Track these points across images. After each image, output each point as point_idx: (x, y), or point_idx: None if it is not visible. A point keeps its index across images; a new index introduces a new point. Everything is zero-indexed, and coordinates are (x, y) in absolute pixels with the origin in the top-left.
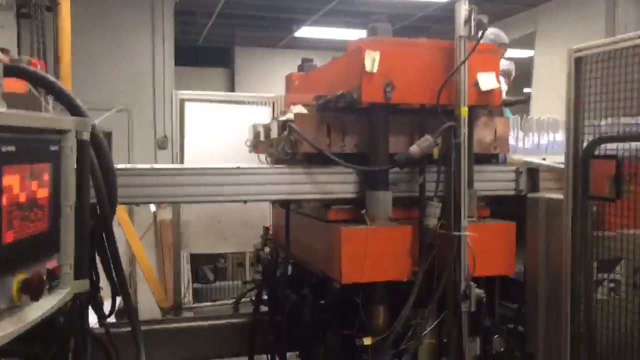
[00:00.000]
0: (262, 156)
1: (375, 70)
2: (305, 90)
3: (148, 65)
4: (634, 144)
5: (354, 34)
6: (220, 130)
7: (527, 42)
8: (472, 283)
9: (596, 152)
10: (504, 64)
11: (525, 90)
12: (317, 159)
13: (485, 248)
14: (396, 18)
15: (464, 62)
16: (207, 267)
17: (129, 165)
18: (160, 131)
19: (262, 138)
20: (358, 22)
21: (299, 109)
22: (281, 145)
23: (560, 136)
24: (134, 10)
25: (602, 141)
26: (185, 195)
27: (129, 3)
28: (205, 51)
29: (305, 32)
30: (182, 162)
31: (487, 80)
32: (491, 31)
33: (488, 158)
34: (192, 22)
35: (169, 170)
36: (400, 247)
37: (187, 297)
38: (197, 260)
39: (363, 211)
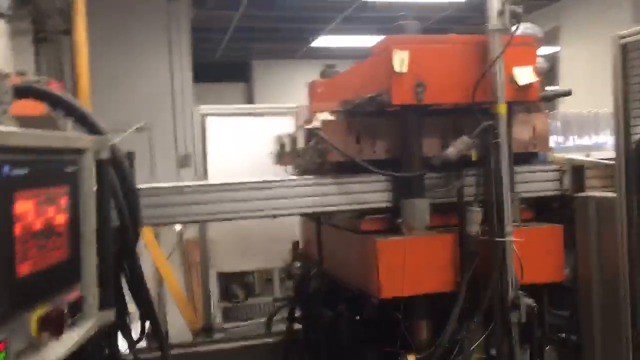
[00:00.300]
0: (288, 168)
1: (404, 70)
2: (330, 97)
3: (167, 84)
4: None
5: (372, 40)
6: (243, 143)
7: (551, 38)
8: (520, 292)
9: None
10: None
11: (548, 88)
12: (347, 168)
13: (532, 254)
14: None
15: (500, 55)
16: (235, 284)
17: (151, 185)
18: (181, 149)
19: (287, 149)
20: (375, 28)
21: (326, 116)
22: (309, 155)
23: (604, 133)
24: (151, 30)
25: None
26: (211, 213)
27: (145, 22)
28: (223, 67)
29: (322, 41)
30: (206, 178)
31: (525, 75)
32: (525, 25)
33: (527, 157)
34: (209, 39)
35: (193, 187)
36: (440, 257)
37: (217, 317)
38: (224, 278)
39: (399, 220)
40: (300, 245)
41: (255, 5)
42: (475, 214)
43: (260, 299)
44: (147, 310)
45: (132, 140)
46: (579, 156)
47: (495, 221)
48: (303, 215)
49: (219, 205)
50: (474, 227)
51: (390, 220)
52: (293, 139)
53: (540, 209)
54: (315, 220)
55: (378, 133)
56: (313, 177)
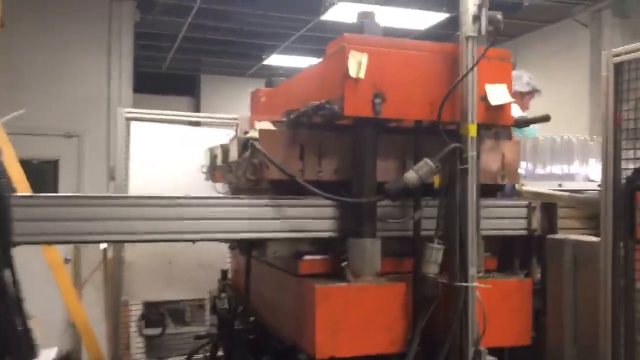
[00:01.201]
0: (220, 185)
1: (361, 76)
2: (275, 107)
3: (103, 88)
4: None
5: None
6: (174, 155)
7: None
8: (483, 349)
9: None
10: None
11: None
12: (286, 188)
13: (496, 311)
14: None
15: (473, 67)
16: (160, 312)
17: (25, 194)
18: (114, 159)
19: (219, 162)
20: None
21: (265, 125)
22: (242, 170)
23: (576, 164)
24: (89, 27)
25: None
26: (112, 233)
27: (83, 19)
28: (170, 79)
29: (275, 59)
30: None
31: (498, 94)
32: (521, 73)
33: (493, 190)
34: (156, 47)
35: (87, 199)
36: (391, 310)
37: (131, 351)
38: (150, 303)
39: (344, 264)
40: (230, 275)
41: (206, 16)
42: (435, 252)
43: (191, 328)
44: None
45: (60, 147)
46: (550, 188)
47: (458, 262)
48: (229, 241)
49: (124, 224)
50: (433, 268)
51: (334, 262)
52: (225, 151)
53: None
54: (245, 252)
55: (326, 150)
56: (244, 197)
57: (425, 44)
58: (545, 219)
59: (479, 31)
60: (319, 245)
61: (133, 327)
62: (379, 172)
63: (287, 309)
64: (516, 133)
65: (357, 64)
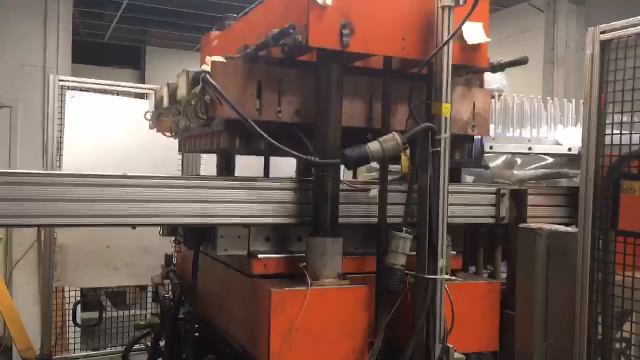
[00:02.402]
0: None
1: (329, 3)
2: (228, 50)
3: (38, 56)
4: None
5: None
6: (113, 130)
7: None
8: (451, 346)
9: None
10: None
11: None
12: (242, 130)
13: (462, 316)
14: None
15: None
16: (101, 292)
17: None
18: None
19: (165, 104)
20: None
21: (219, 59)
22: (192, 110)
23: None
24: None
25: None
26: (38, 216)
27: None
28: (113, 49)
29: None
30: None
31: (474, 33)
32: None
33: (461, 141)
34: (97, 15)
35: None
36: (353, 314)
37: (64, 340)
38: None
39: (302, 264)
40: (175, 261)
41: None
42: (403, 242)
43: (131, 312)
44: None
45: None
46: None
47: (427, 253)
48: (174, 225)
49: (50, 206)
50: (400, 259)
51: (292, 263)
52: (173, 89)
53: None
54: (194, 247)
55: (286, 87)
56: (192, 177)
57: None
58: (514, 206)
59: None
60: (275, 243)
61: (69, 314)
62: (344, 116)
63: (238, 311)
64: None
65: None
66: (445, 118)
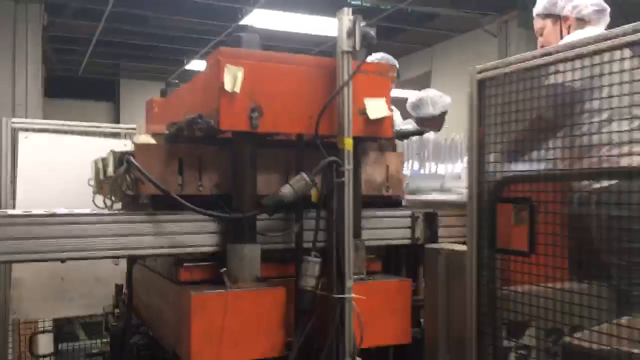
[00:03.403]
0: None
1: (237, 90)
2: (166, 118)
3: (7, 93)
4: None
5: None
6: (67, 168)
7: (423, 81)
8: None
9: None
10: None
11: (403, 126)
12: (166, 203)
13: (376, 312)
14: (296, 52)
15: (347, 81)
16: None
17: None
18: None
19: (101, 176)
20: None
21: (145, 139)
22: (118, 185)
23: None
24: None
25: (511, 181)
26: None
27: None
28: (87, 83)
29: (197, 64)
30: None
31: (377, 108)
32: (378, 55)
33: (380, 200)
34: (70, 50)
35: None
36: (270, 314)
37: None
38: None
39: (223, 270)
40: (125, 290)
41: (121, 20)
42: (313, 265)
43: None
44: None
45: None
46: (432, 194)
47: (335, 274)
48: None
49: None
50: (310, 281)
51: (216, 269)
52: (105, 164)
53: (391, 258)
54: (131, 261)
55: (206, 164)
56: (119, 213)
57: (306, 58)
58: (427, 228)
59: (354, 47)
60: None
61: (24, 347)
62: (261, 185)
63: (170, 317)
64: None
65: (232, 78)
66: (348, 151)
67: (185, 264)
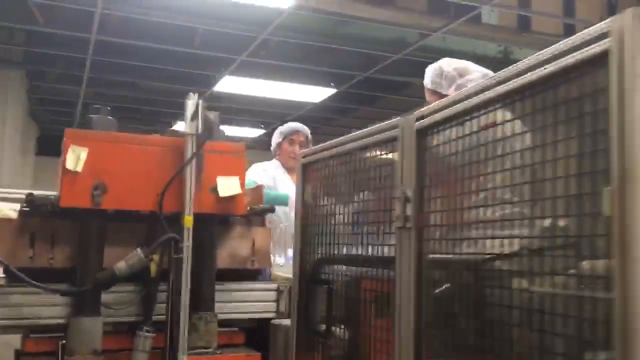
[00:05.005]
0: None
1: (79, 169)
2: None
3: None
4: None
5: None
6: None
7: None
8: None
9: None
10: None
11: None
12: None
13: None
14: (274, 117)
15: (189, 161)
16: None
17: None
18: None
19: None
20: (227, 118)
21: (5, 212)
22: None
23: None
24: None
25: (324, 262)
26: None
27: None
28: None
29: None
30: None
31: (228, 186)
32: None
33: (252, 274)
34: (59, 112)
35: None
36: None
37: None
38: None
39: (62, 342)
40: None
41: (101, 84)
42: (143, 340)
43: None
44: None
45: None
46: None
47: (168, 349)
48: None
49: None
50: (140, 356)
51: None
52: None
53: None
54: None
55: (58, 237)
56: None
57: (157, 139)
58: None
59: (197, 129)
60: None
61: None
62: (112, 259)
63: None
64: None
65: (75, 157)
66: (188, 229)
67: (31, 335)
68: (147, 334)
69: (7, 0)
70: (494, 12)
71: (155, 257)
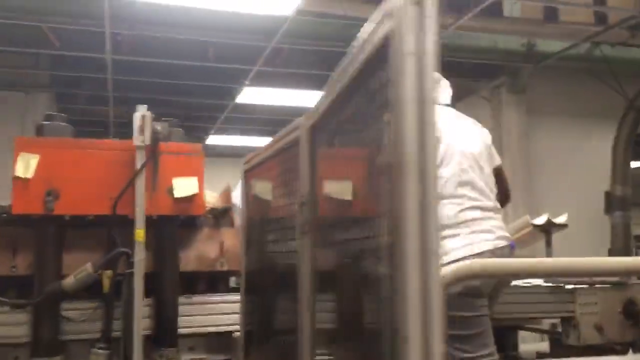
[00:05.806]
0: None
1: (29, 176)
2: None
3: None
4: None
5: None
6: None
7: None
8: None
9: None
10: None
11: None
12: None
13: None
14: (277, 124)
15: (138, 173)
16: None
17: None
18: None
19: None
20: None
21: None
22: None
23: None
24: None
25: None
26: None
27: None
28: None
29: (214, 139)
30: None
31: (184, 186)
32: None
33: (224, 276)
34: (91, 133)
35: None
36: None
37: None
38: None
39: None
40: None
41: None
42: (96, 357)
43: None
44: None
45: None
46: None
47: None
48: None
49: None
50: None
51: None
52: None
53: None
54: None
55: (21, 246)
56: None
57: (113, 143)
58: None
59: (144, 140)
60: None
61: None
62: (72, 267)
63: None
64: None
65: (25, 164)
66: (139, 242)
67: None
68: (101, 350)
69: (24, 27)
70: (516, 4)
71: (108, 272)
